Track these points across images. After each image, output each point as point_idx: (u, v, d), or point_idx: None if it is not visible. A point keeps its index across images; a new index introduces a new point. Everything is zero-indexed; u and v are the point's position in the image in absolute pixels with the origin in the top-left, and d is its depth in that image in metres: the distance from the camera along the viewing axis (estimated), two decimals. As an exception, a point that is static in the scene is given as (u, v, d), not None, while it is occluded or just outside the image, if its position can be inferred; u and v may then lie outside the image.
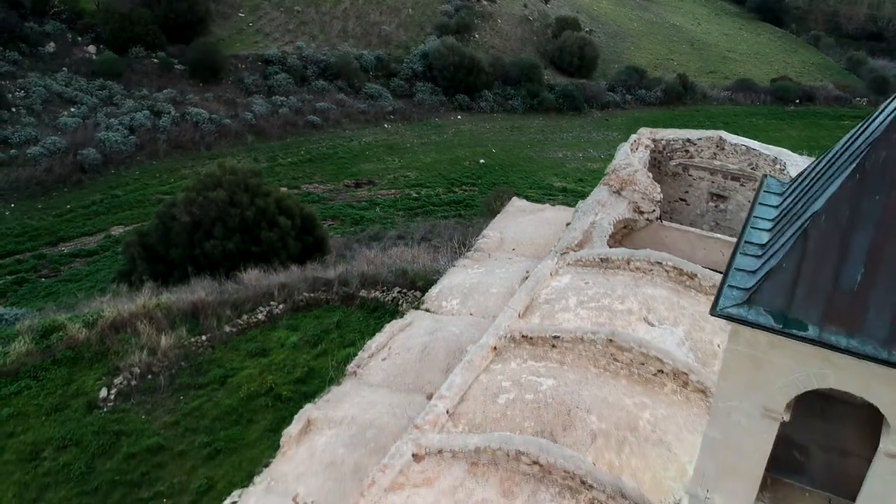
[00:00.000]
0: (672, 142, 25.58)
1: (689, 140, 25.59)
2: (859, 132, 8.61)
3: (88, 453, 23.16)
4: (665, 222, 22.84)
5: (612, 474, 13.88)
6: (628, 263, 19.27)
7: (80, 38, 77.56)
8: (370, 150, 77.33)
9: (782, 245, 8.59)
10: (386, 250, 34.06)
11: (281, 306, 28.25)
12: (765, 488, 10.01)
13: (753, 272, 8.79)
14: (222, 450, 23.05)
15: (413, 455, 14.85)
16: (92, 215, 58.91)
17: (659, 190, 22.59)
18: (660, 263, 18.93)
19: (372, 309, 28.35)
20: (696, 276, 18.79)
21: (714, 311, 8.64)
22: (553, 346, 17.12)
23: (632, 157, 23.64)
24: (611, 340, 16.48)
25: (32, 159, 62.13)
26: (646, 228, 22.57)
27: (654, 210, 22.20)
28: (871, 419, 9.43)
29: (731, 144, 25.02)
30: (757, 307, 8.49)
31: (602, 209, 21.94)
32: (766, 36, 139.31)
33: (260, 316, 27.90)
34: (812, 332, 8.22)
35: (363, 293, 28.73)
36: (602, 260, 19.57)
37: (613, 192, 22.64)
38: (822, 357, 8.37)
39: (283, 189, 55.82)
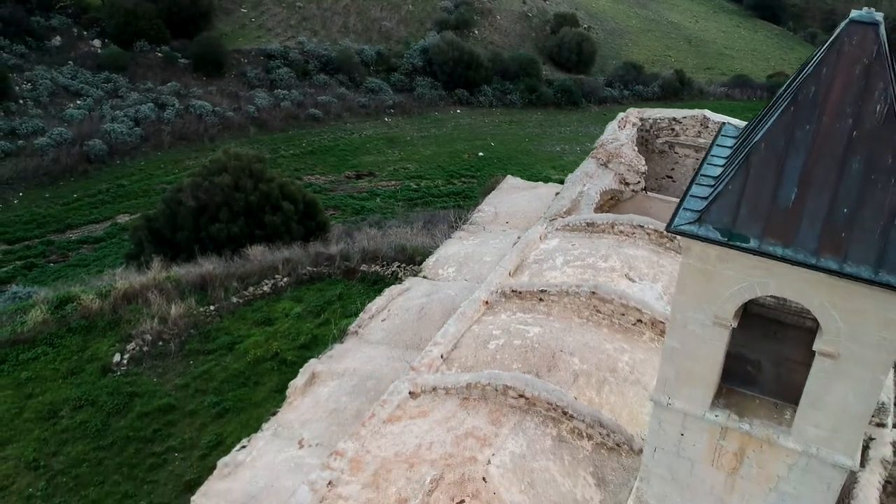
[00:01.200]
0: (658, 120, 26.84)
1: (674, 119, 26.86)
2: (797, 73, 9.88)
3: (103, 412, 24.45)
4: (650, 193, 24.12)
5: (591, 408, 15.17)
6: (612, 227, 20.56)
7: (85, 33, 78.87)
8: (371, 142, 78.56)
9: (729, 173, 9.85)
10: (386, 231, 35.30)
11: (285, 279, 29.53)
12: (720, 396, 11.30)
13: (705, 198, 10.05)
14: (230, 409, 24.34)
15: (410, 393, 16.15)
16: (98, 204, 60.18)
17: (644, 163, 23.86)
18: (642, 227, 20.21)
19: (372, 282, 29.61)
20: (675, 238, 20.06)
21: (669, 228, 9.93)
22: (540, 299, 18.41)
23: (619, 133, 24.91)
24: (594, 293, 17.77)
25: (40, 150, 63.41)
26: (631, 199, 23.85)
27: (639, 182, 23.48)
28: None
29: (715, 122, 26.29)
30: (706, 225, 9.78)
31: (590, 180, 23.22)
32: (763, 33, 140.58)
33: (265, 288, 29.18)
34: (753, 243, 9.50)
35: (364, 267, 30.00)
36: (588, 224, 20.86)
37: (601, 164, 23.92)
38: (762, 267, 9.66)
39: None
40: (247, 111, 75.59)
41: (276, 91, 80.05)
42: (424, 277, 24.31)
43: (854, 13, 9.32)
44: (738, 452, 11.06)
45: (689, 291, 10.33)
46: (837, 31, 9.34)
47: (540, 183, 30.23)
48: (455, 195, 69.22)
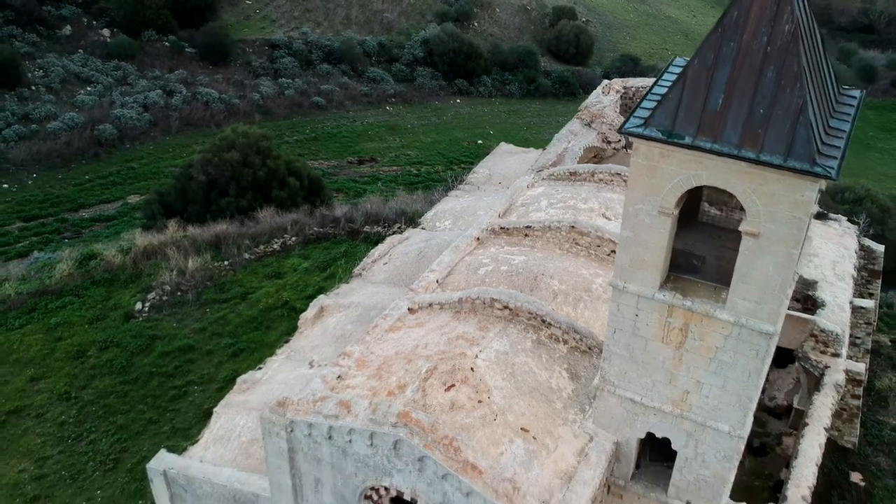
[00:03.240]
0: (641, 89, 28.95)
1: (655, 87, 28.93)
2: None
3: (127, 352, 26.62)
4: (630, 150, 26.22)
5: (567, 318, 17.32)
6: (593, 175, 22.69)
7: (94, 22, 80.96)
8: (372, 130, 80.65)
9: (670, 87, 11.98)
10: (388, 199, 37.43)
11: (293, 238, 31.69)
12: (668, 282, 13.49)
13: (651, 108, 12.20)
14: (245, 349, 26.51)
15: (409, 309, 18.31)
16: (109, 185, 62.33)
17: (624, 123, 25.98)
18: (619, 174, 22.34)
19: (375, 241, 31.63)
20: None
21: (620, 130, 12.11)
22: (526, 234, 20.56)
23: (603, 98, 27.04)
24: (573, 227, 19.92)
25: (52, 134, 65.54)
26: (613, 156, 25.98)
27: (619, 140, 25.61)
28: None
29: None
30: (651, 127, 11.97)
31: (574, 138, 25.37)
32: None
33: (275, 246, 31.33)
34: (688, 140, 11.69)
35: (367, 228, 32.16)
36: (571, 173, 23.00)
37: (585, 124, 26.06)
38: (696, 160, 11.84)
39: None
40: (252, 99, 77.68)
41: (280, 80, 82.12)
42: (423, 229, 26.45)
43: (768, -50, 11.37)
44: (682, 328, 13.23)
45: (638, 186, 12.50)
46: (754, -33, 11.40)
47: (531, 149, 32.32)
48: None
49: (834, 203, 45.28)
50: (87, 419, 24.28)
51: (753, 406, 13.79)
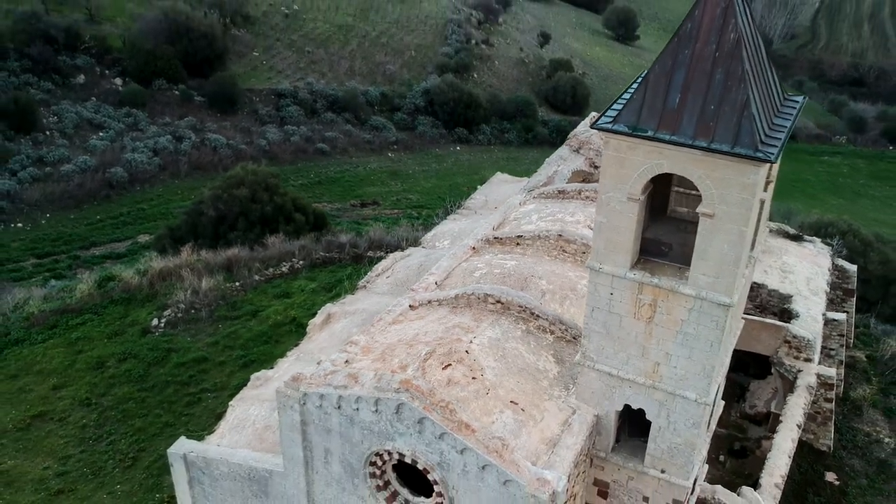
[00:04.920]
0: (627, 121, 30.99)
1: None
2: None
3: (145, 363, 28.26)
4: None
5: (554, 312, 19.06)
6: (580, 193, 24.63)
7: (107, 71, 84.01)
8: (375, 175, 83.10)
9: (635, 89, 13.97)
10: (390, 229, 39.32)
11: (301, 262, 33.54)
12: (639, 264, 15.29)
13: (619, 108, 14.16)
14: (255, 360, 28.14)
15: (410, 305, 20.06)
16: (120, 225, 64.40)
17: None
18: (604, 192, 24.22)
19: (378, 265, 33.54)
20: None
21: (593, 126, 14.04)
22: (517, 243, 22.41)
23: (590, 128, 29.12)
24: (560, 235, 21.78)
25: (65, 176, 67.97)
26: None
27: (606, 164, 27.57)
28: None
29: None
30: (619, 123, 13.93)
31: (563, 162, 27.39)
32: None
33: (283, 269, 33.17)
34: (651, 133, 13.62)
35: (370, 253, 34.01)
36: (560, 192, 24.95)
37: (573, 150, 28.11)
38: (658, 151, 13.76)
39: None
40: (258, 144, 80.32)
41: (285, 127, 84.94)
42: (423, 248, 28.29)
43: (716, -26, 13.41)
44: (652, 303, 15.03)
45: (609, 176, 14.41)
46: (705, -14, 13.44)
47: (525, 178, 34.28)
48: (454, 222, 73.28)
49: (819, 237, 47.21)
50: (106, 422, 25.83)
51: (716, 376, 15.48)
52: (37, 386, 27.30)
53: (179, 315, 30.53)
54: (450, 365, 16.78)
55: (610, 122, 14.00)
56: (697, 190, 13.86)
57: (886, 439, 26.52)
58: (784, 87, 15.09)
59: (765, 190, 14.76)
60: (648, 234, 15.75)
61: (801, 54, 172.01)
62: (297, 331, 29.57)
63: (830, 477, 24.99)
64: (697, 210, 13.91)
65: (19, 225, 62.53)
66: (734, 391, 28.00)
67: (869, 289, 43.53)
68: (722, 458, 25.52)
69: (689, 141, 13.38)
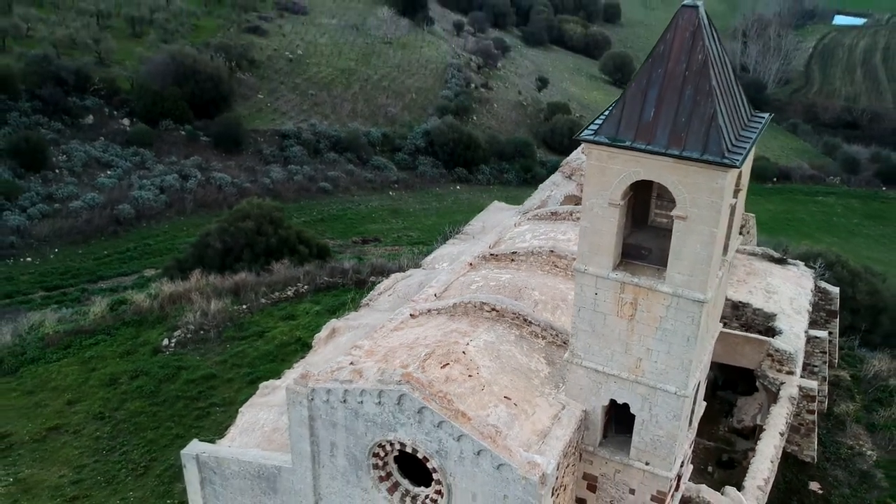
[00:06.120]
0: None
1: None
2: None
3: (156, 380, 29.43)
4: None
5: (546, 320, 20.35)
6: (571, 215, 26.05)
7: (116, 112, 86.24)
8: (376, 213, 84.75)
9: (614, 105, 15.46)
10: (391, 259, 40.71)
11: (305, 287, 34.87)
12: (621, 265, 16.64)
13: (600, 122, 15.64)
14: (262, 377, 29.17)
15: (410, 314, 21.36)
16: (127, 259, 65.85)
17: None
18: (594, 213, 25.64)
19: (379, 290, 34.84)
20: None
21: (576, 137, 15.53)
22: (512, 259, 23.79)
23: (582, 155, 30.67)
24: (552, 251, 23.16)
25: (74, 212, 69.65)
26: (591, 205, 29.33)
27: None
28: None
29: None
30: (600, 135, 15.40)
31: (556, 187, 28.88)
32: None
33: (289, 293, 34.48)
34: (628, 143, 15.06)
35: (373, 278, 35.32)
36: (552, 213, 26.39)
37: (566, 176, 29.62)
38: (635, 160, 15.21)
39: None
40: (262, 183, 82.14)
41: (289, 166, 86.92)
42: (423, 269, 29.63)
43: (686, 1, 14.98)
44: (633, 302, 16.34)
45: (592, 183, 15.83)
46: (676, 12, 15.02)
47: (520, 206, 35.75)
48: (454, 258, 74.67)
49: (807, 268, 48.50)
50: (119, 434, 26.94)
51: (694, 370, 16.72)
52: (52, 401, 28.46)
53: (189, 335, 31.76)
54: (448, 364, 18.03)
55: (592, 134, 15.48)
56: (675, 201, 15.27)
57: (869, 452, 27.57)
58: (752, 108, 16.61)
59: (735, 197, 16.17)
60: (630, 241, 17.17)
61: (796, 98, 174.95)
62: (301, 350, 30.76)
63: (814, 486, 25.99)
64: (672, 213, 15.30)
65: (28, 259, 63.98)
66: (723, 407, 29.18)
67: (858, 318, 44.74)
68: (710, 469, 26.54)
69: (662, 150, 14.82)
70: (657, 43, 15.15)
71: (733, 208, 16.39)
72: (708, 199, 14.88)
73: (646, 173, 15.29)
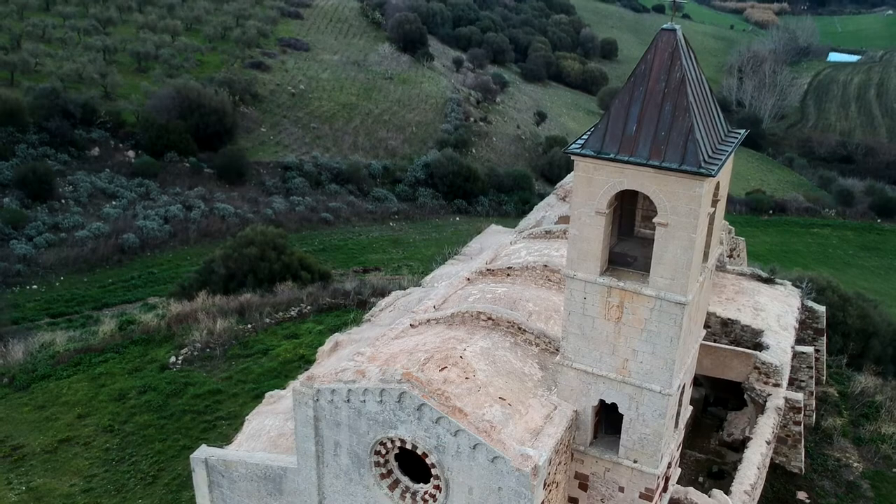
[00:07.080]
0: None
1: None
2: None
3: (163, 394, 30.36)
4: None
5: (540, 328, 21.40)
6: (564, 233, 27.17)
7: (121, 144, 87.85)
8: (377, 243, 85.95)
9: (599, 121, 16.68)
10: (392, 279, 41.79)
11: (308, 307, 35.91)
12: (608, 271, 17.73)
13: (587, 137, 16.85)
14: (266, 392, 30.15)
15: (410, 325, 22.40)
16: (131, 287, 66.83)
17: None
18: (586, 231, 26.79)
19: (380, 310, 35.86)
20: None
21: (565, 151, 16.70)
22: (507, 274, 24.88)
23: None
24: (546, 266, 24.26)
25: (79, 241, 70.81)
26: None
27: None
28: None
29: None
30: (587, 148, 16.58)
31: (550, 209, 30.06)
32: (744, 158, 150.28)
33: (292, 313, 35.51)
34: (613, 155, 16.24)
35: (373, 299, 36.36)
36: (546, 232, 27.53)
37: (560, 198, 30.81)
38: (619, 171, 16.38)
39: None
40: (265, 213, 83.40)
41: (291, 197, 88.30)
42: (423, 288, 30.70)
43: (664, 25, 16.26)
44: (619, 305, 17.42)
45: (580, 193, 16.99)
46: (655, 34, 16.29)
47: (516, 227, 36.91)
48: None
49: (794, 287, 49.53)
50: (128, 446, 27.80)
51: (678, 370, 17.73)
52: (63, 415, 29.35)
53: (195, 353, 32.74)
54: (446, 367, 19.04)
55: (579, 148, 16.68)
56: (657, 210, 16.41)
57: (855, 464, 28.42)
58: (731, 124, 17.82)
59: (713, 207, 17.33)
60: (617, 250, 18.32)
61: (791, 133, 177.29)
62: (305, 367, 31.66)
63: (802, 496, 26.82)
64: (654, 220, 16.44)
65: (34, 287, 64.96)
66: (714, 423, 30.09)
67: (848, 341, 45.68)
68: (702, 479, 27.38)
69: (644, 161, 16.00)
70: (638, 63, 16.42)
71: (712, 217, 17.54)
72: (687, 207, 16.02)
73: (629, 183, 16.46)
